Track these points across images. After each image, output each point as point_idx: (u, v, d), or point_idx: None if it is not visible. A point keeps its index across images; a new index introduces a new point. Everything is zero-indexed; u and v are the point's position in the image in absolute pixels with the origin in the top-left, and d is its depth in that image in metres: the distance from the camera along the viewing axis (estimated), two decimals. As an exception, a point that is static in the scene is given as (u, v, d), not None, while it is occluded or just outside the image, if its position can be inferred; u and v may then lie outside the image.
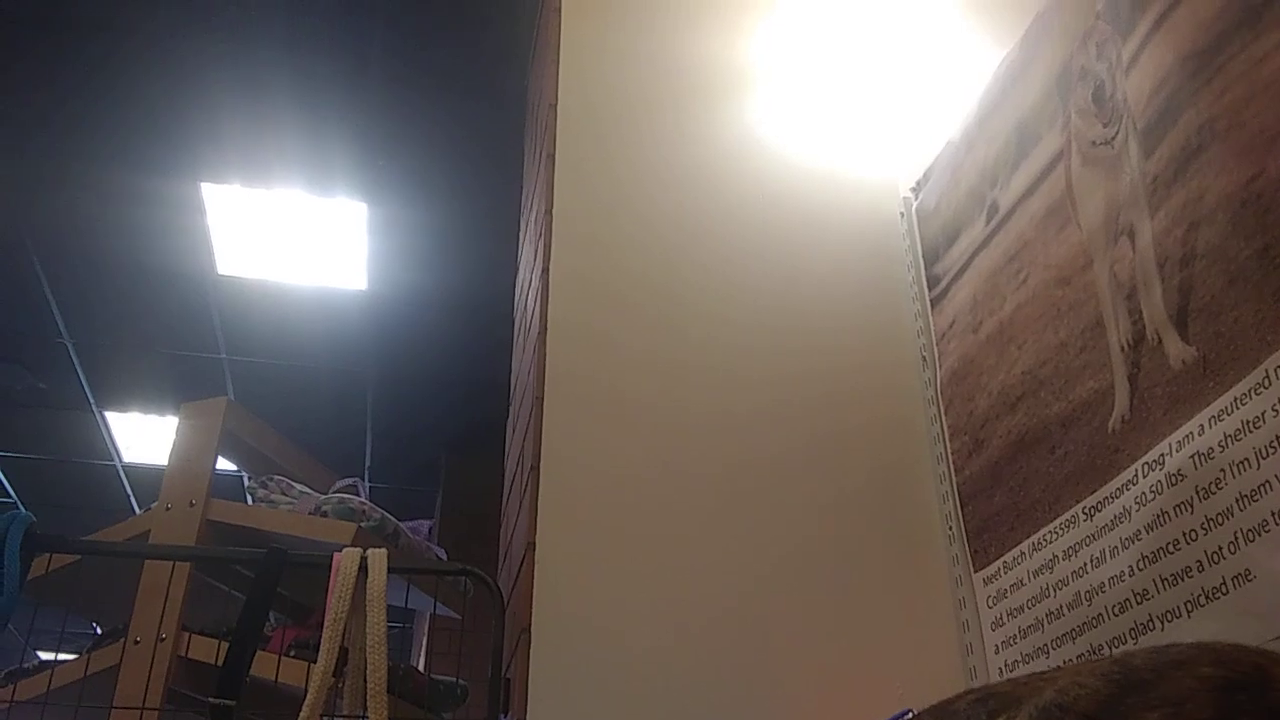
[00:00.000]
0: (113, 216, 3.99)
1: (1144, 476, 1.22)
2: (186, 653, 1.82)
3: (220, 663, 1.48)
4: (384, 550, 1.52)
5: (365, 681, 1.41)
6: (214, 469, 2.04)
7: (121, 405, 5.24)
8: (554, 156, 1.90)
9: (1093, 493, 1.31)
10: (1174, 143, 1.22)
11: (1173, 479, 1.16)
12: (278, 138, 3.61)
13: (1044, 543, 1.40)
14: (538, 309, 1.81)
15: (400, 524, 2.03)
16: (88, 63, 3.31)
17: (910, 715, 1.04)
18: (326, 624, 1.42)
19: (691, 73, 2.03)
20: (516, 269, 2.51)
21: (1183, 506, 1.14)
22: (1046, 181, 1.48)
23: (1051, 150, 1.48)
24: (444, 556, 2.20)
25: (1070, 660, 1.31)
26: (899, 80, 2.05)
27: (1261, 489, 1.04)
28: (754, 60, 2.06)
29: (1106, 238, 1.34)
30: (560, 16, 2.06)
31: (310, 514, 1.95)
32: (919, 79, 2.00)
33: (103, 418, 5.33)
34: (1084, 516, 1.32)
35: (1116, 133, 1.33)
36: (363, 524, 1.91)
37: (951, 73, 1.87)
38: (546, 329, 1.74)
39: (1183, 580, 1.13)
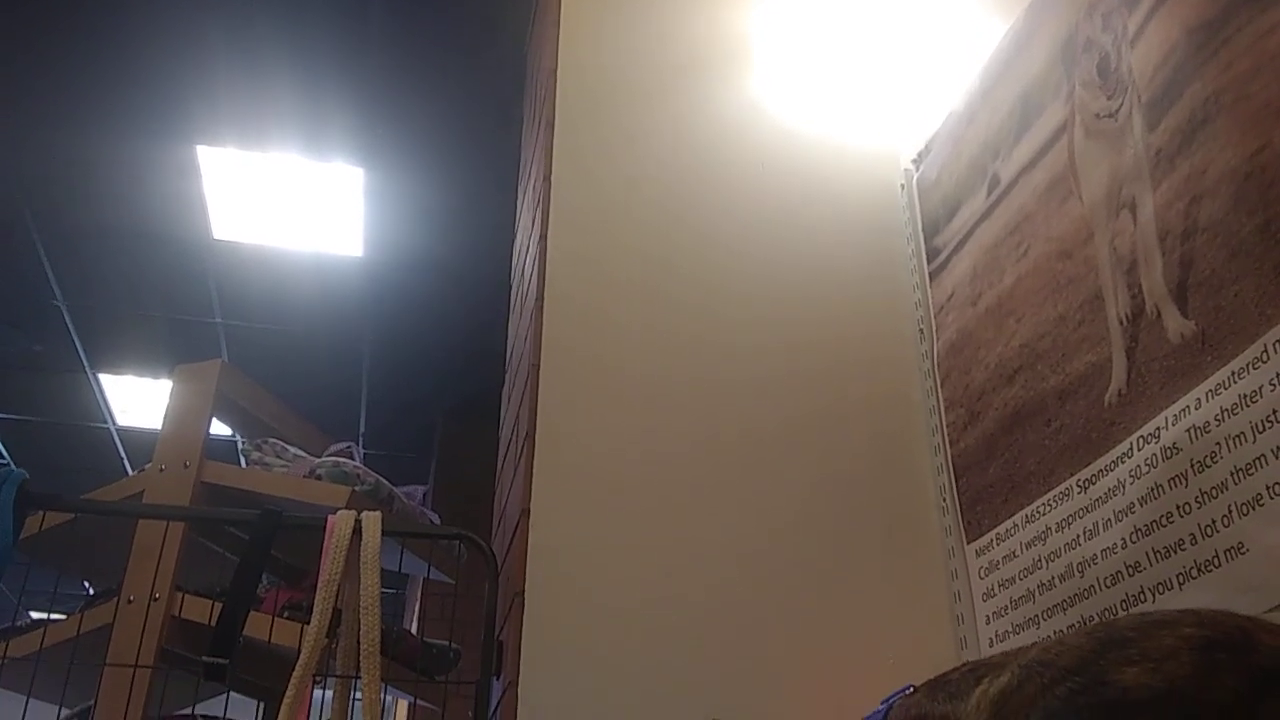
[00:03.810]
0: (107, 179, 3.97)
1: (1139, 450, 1.22)
2: (180, 613, 1.82)
3: (214, 623, 1.48)
4: (378, 513, 1.52)
5: (358, 642, 1.41)
6: (208, 431, 2.03)
7: (116, 368, 5.23)
8: (553, 123, 1.89)
9: (1087, 466, 1.31)
10: (1178, 115, 1.21)
11: (1168, 452, 1.17)
12: (274, 101, 3.58)
13: (1037, 515, 1.40)
14: (535, 276, 1.80)
15: (395, 489, 2.03)
16: (82, 25, 3.28)
17: (911, 689, 1.05)
18: (320, 585, 1.43)
19: (693, 41, 2.01)
20: (514, 236, 2.50)
21: (1177, 480, 1.15)
22: (1049, 154, 1.47)
23: (1055, 122, 1.47)
24: (438, 522, 2.20)
25: (1061, 631, 1.32)
26: (901, 51, 2.04)
27: (1256, 463, 1.04)
28: (756, 28, 2.04)
29: (1108, 211, 1.33)
30: (562, -20, 2.04)
31: (305, 477, 1.95)
32: (921, 50, 1.99)
33: (97, 381, 5.32)
34: (1078, 489, 1.32)
35: (1121, 105, 1.32)
36: (357, 488, 1.91)
37: (954, 43, 1.85)
38: (543, 296, 1.73)
39: (1175, 553, 1.14)
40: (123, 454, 5.97)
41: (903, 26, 2.04)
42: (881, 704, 1.10)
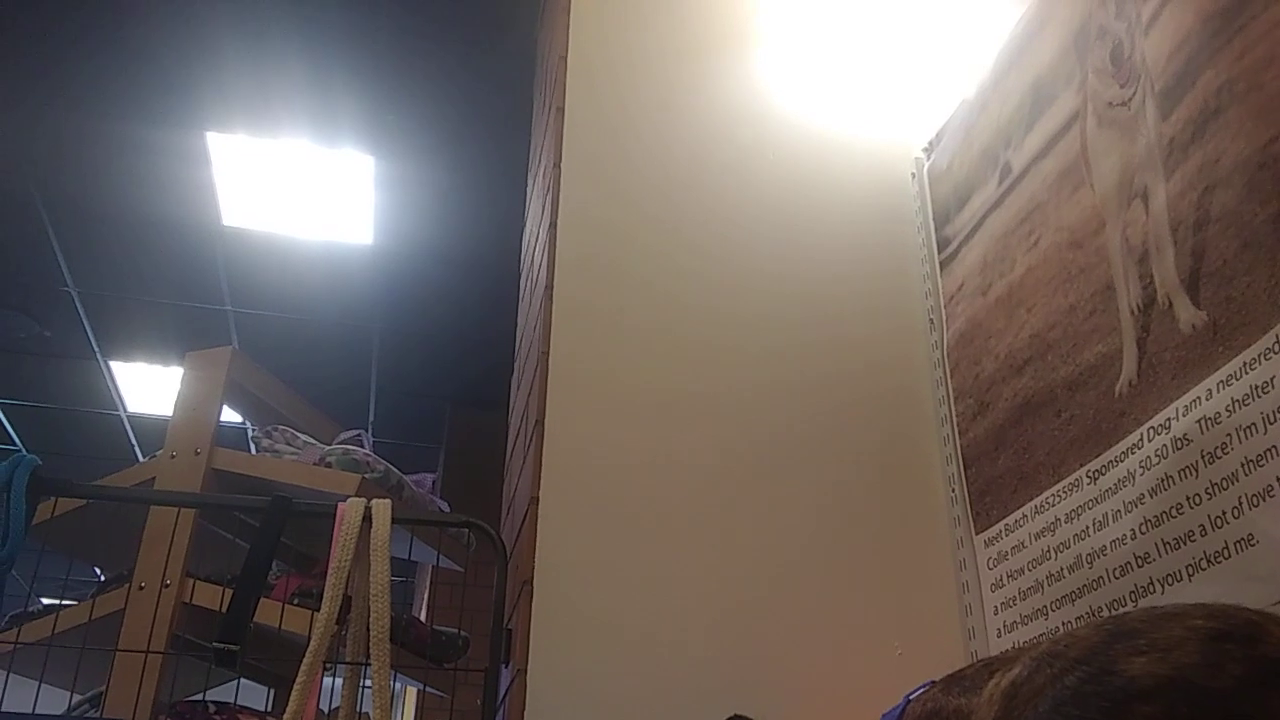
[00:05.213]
0: (118, 165, 3.97)
1: (1149, 441, 1.22)
2: (191, 599, 1.83)
3: (224, 609, 1.49)
4: (388, 500, 1.53)
5: (368, 629, 1.42)
6: (219, 418, 2.04)
7: (126, 355, 5.24)
8: (563, 110, 1.88)
9: (1097, 456, 1.31)
10: (1192, 104, 1.21)
11: (1178, 443, 1.16)
12: (284, 87, 3.58)
13: (1046, 506, 1.40)
14: (544, 264, 1.80)
15: (404, 476, 2.03)
16: (92, 10, 3.28)
17: (930, 685, 1.06)
18: (330, 571, 1.43)
19: (703, 27, 2.00)
20: (524, 224, 2.49)
21: (1187, 471, 1.14)
22: (1061, 142, 1.46)
23: (1067, 110, 1.46)
24: (447, 510, 2.20)
25: (1069, 622, 1.32)
26: (913, 38, 2.03)
27: (1267, 454, 1.04)
28: (767, 15, 2.03)
29: (1120, 200, 1.33)
30: (572, -32, 2.03)
31: (315, 464, 1.96)
32: (933, 37, 1.98)
33: (107, 367, 5.33)
34: (1088, 480, 1.32)
35: (1134, 94, 1.31)
36: (367, 475, 1.91)
37: (966, 30, 1.84)
38: (553, 284, 1.73)
39: (1185, 544, 1.13)
40: (133, 441, 5.99)
41: (914, 13, 2.03)
42: (902, 700, 1.11)
